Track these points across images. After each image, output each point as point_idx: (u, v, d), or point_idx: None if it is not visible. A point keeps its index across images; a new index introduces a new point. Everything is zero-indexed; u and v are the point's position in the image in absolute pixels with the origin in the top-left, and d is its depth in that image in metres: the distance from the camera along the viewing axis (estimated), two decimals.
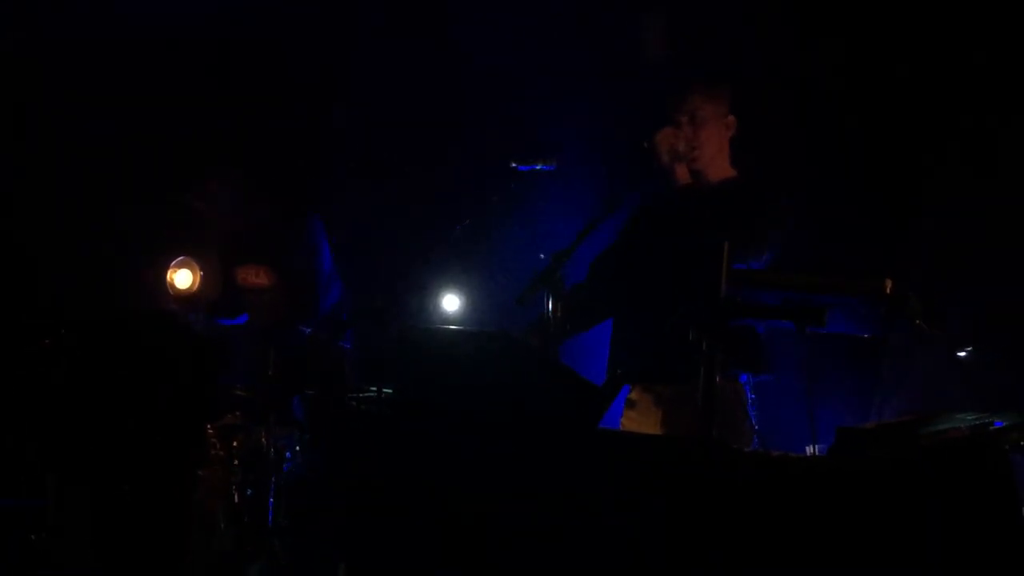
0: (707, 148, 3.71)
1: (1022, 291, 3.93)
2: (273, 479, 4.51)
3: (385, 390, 3.35)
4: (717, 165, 3.75)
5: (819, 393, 3.14)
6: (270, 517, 4.51)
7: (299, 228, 4.95)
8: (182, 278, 5.18)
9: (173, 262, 5.12)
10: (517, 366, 2.96)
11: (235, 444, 4.59)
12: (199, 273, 5.16)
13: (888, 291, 2.92)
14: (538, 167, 3.68)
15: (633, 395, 3.72)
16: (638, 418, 3.67)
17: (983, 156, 4.15)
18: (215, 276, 5.12)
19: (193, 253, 5.12)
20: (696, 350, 2.93)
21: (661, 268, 3.62)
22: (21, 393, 4.44)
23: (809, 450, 4.23)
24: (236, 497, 4.54)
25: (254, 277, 4.87)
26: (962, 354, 3.60)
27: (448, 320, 4.75)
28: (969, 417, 2.98)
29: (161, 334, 4.77)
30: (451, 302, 4.87)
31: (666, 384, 3.61)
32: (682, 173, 3.62)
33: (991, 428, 2.94)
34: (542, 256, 3.36)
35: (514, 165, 3.68)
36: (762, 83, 4.33)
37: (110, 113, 5.36)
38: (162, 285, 5.13)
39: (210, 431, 4.61)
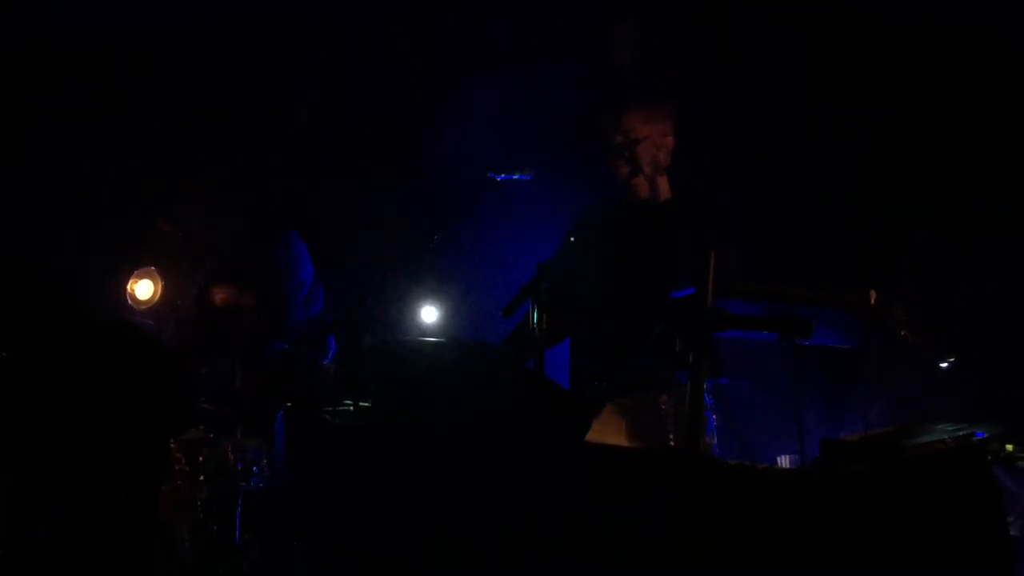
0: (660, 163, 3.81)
1: (1004, 302, 3.98)
2: (240, 494, 4.42)
3: (362, 403, 3.29)
4: (663, 181, 3.84)
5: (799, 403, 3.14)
6: (236, 533, 4.41)
7: (272, 247, 4.88)
8: (143, 289, 5.08)
9: (135, 272, 5.02)
10: (498, 378, 2.92)
11: (200, 458, 4.49)
12: (160, 284, 5.06)
13: (872, 302, 2.93)
14: (515, 176, 3.67)
15: None
16: (600, 427, 3.65)
17: (966, 167, 4.20)
18: (179, 288, 5.03)
19: (157, 263, 5.03)
20: (677, 360, 2.93)
21: (627, 281, 3.65)
22: None
23: (781, 461, 4.25)
24: (201, 512, 4.44)
25: (232, 298, 4.81)
26: (944, 365, 3.63)
27: (426, 332, 4.71)
28: (951, 428, 2.99)
29: (122, 345, 4.66)
30: (429, 313, 4.83)
31: (627, 393, 3.61)
32: (642, 188, 3.69)
33: (974, 439, 2.96)
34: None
35: (491, 175, 3.66)
36: (738, 89, 4.35)
37: (78, 126, 5.27)
38: (123, 295, 5.03)
39: (174, 445, 4.51)
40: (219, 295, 4.81)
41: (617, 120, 3.78)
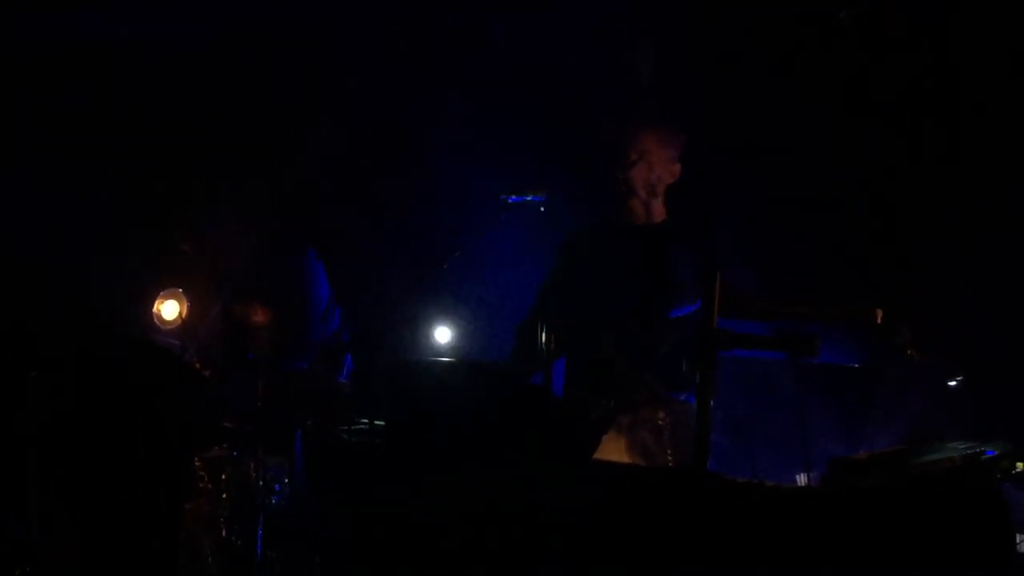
0: (659, 187, 3.86)
1: (1012, 319, 3.96)
2: (262, 511, 4.47)
3: (377, 422, 3.34)
4: (658, 204, 3.89)
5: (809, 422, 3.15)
6: (258, 550, 4.47)
7: (292, 264, 4.95)
8: (169, 309, 5.15)
9: (160, 293, 5.09)
10: (511, 399, 2.96)
11: (223, 476, 4.55)
12: (186, 304, 5.13)
13: (879, 321, 2.94)
14: (529, 198, 3.72)
15: None
16: (601, 444, 3.69)
17: (972, 180, 4.19)
18: (204, 308, 5.10)
19: (182, 284, 5.10)
20: (655, 376, 2.96)
21: (616, 299, 3.69)
22: (4, 422, 4.39)
23: (800, 479, 4.25)
24: (224, 530, 4.50)
25: (253, 315, 4.88)
26: (952, 383, 3.62)
27: (440, 352, 4.74)
28: (960, 446, 3.00)
29: (148, 364, 4.73)
30: (443, 334, 4.86)
31: (627, 411, 3.64)
32: (639, 210, 3.73)
33: (983, 457, 2.96)
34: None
35: (505, 197, 3.71)
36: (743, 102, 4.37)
37: (103, 150, 5.36)
38: (149, 316, 5.10)
39: (198, 463, 4.57)
40: (237, 311, 4.89)
41: (635, 137, 3.82)
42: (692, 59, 4.69)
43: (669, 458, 3.40)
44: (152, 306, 5.12)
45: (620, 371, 3.20)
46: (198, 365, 4.87)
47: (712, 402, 3.38)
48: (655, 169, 3.82)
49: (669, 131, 3.89)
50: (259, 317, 4.89)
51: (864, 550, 2.70)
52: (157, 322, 5.12)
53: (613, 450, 3.64)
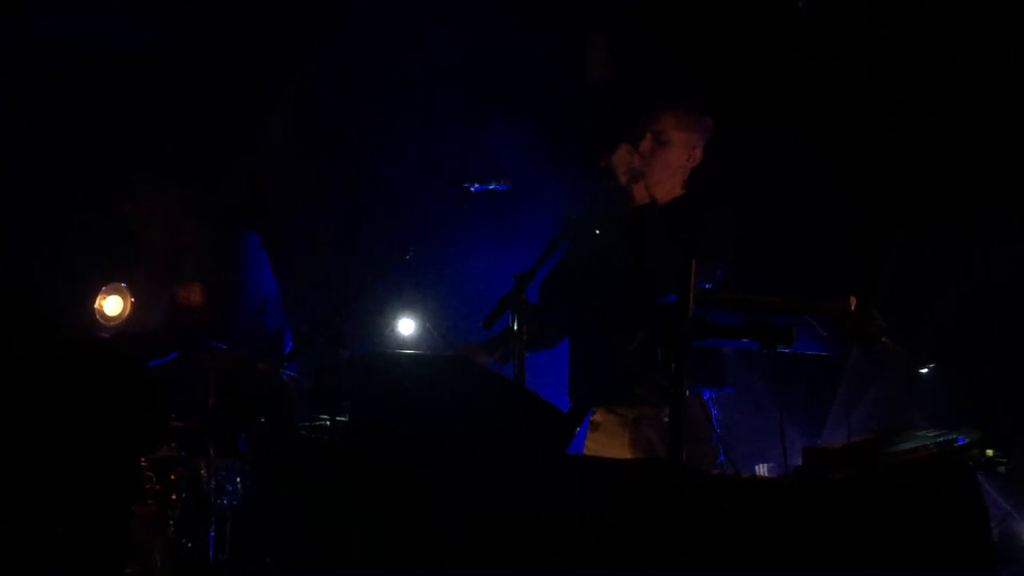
0: (658, 169, 3.68)
1: (984, 307, 4.00)
2: (214, 512, 4.35)
3: (339, 418, 3.25)
4: (666, 185, 3.73)
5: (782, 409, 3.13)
6: (210, 552, 4.35)
7: (233, 245, 4.85)
8: (112, 305, 5.01)
9: (103, 288, 4.95)
10: (479, 391, 2.89)
11: (172, 477, 4.43)
12: (130, 300, 5.00)
13: (851, 309, 2.92)
14: (492, 187, 3.64)
15: (597, 417, 3.68)
16: (603, 440, 3.63)
17: (947, 170, 4.22)
18: (147, 302, 4.96)
19: (126, 277, 4.97)
20: (660, 370, 2.90)
21: (617, 286, 3.60)
22: None
23: (759, 468, 4.24)
24: (174, 531, 4.38)
25: (189, 295, 4.77)
26: (924, 371, 3.63)
27: (403, 344, 4.66)
28: (931, 434, 2.99)
29: (91, 363, 4.59)
30: (406, 326, 4.79)
31: (629, 405, 3.57)
32: (639, 193, 3.60)
33: (954, 445, 2.96)
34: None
35: (467, 185, 3.63)
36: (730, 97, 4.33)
37: (42, 124, 5.20)
38: (92, 313, 4.95)
39: (146, 464, 4.44)
40: (177, 293, 4.80)
41: (655, 118, 3.68)
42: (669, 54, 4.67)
43: None
44: (94, 302, 4.99)
45: (622, 361, 3.13)
46: (144, 362, 4.74)
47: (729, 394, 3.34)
48: (666, 150, 3.67)
49: (690, 112, 3.73)
50: (196, 296, 4.79)
51: (840, 540, 2.68)
52: (100, 319, 4.98)
53: (616, 447, 3.59)
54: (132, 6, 5.12)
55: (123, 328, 4.98)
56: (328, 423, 3.68)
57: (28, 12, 5.08)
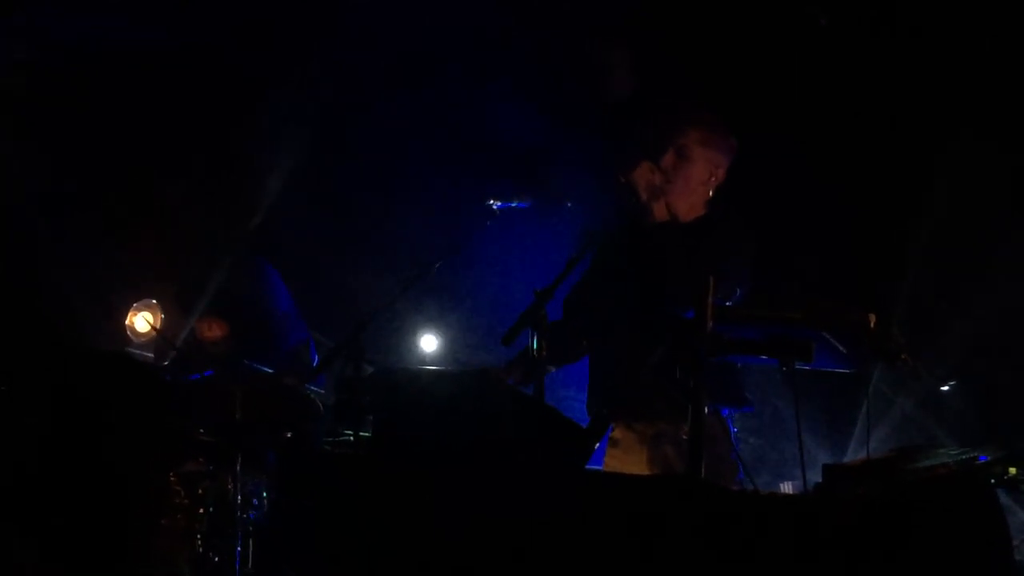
0: (679, 185, 3.66)
1: (1005, 325, 3.97)
2: (240, 527, 4.39)
3: (362, 434, 3.28)
4: (687, 203, 3.71)
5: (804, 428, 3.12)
6: (236, 565, 4.38)
7: (242, 274, 4.91)
8: (142, 322, 5.08)
9: (134, 305, 5.02)
10: (500, 407, 2.91)
11: (200, 491, 4.47)
12: (160, 316, 5.06)
13: (872, 326, 2.92)
14: (514, 204, 3.67)
15: (616, 434, 3.68)
16: (622, 456, 3.63)
17: (965, 185, 4.20)
18: (176, 319, 5.03)
19: (156, 295, 5.04)
20: (679, 386, 2.91)
21: (637, 303, 3.59)
22: None
23: (784, 486, 4.22)
24: (201, 546, 4.41)
25: (208, 331, 4.84)
26: (945, 388, 3.61)
27: (426, 360, 4.69)
28: (953, 452, 2.98)
29: (121, 378, 4.65)
30: (429, 342, 4.81)
31: (648, 421, 3.57)
32: (659, 210, 3.60)
33: (976, 463, 2.95)
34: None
35: (491, 203, 3.65)
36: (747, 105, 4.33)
37: (66, 156, 5.29)
38: (122, 329, 5.02)
39: (173, 478, 4.49)
40: (199, 329, 4.87)
41: (680, 132, 3.65)
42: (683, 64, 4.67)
43: None
44: (125, 319, 5.05)
45: (639, 378, 3.13)
46: (173, 377, 4.80)
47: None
48: (689, 166, 3.65)
49: (715, 129, 3.70)
50: (215, 331, 4.85)
51: (860, 558, 2.67)
52: (130, 335, 5.05)
53: (634, 463, 3.59)
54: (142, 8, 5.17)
55: (154, 344, 5.04)
56: (352, 438, 3.71)
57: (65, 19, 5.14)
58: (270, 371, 4.58)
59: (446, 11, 5.01)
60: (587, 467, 3.02)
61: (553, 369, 3.64)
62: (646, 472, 3.52)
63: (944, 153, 4.26)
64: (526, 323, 3.16)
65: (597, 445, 2.97)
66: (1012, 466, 2.99)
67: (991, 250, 4.12)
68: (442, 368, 4.43)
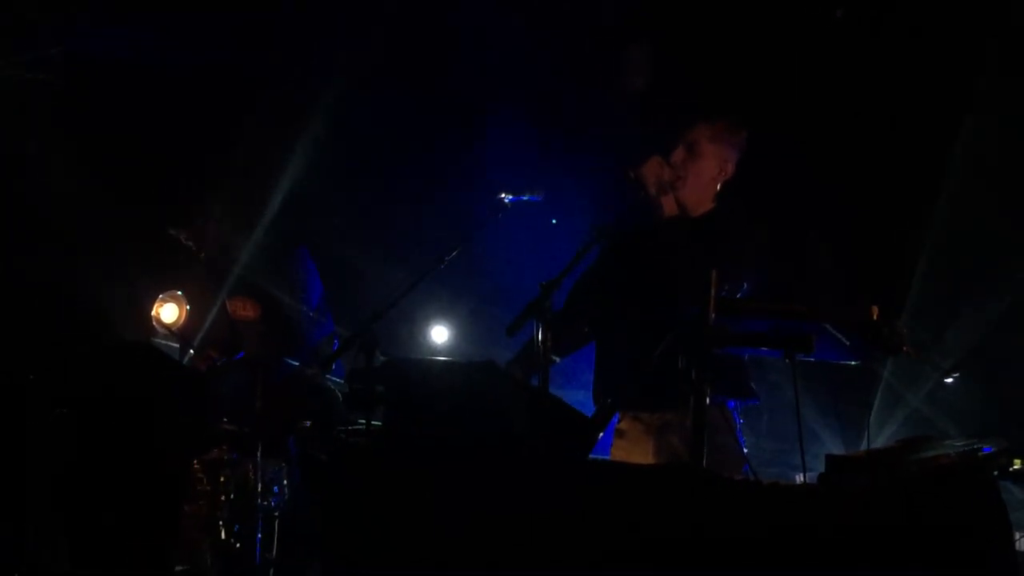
0: (689, 180, 3.69)
1: (1008, 317, 3.96)
2: (261, 513, 4.47)
3: (374, 423, 3.33)
4: (697, 198, 3.73)
5: (811, 420, 3.14)
6: (257, 552, 4.47)
7: (285, 261, 4.96)
8: (168, 312, 5.15)
9: (160, 296, 5.10)
10: (507, 397, 2.95)
11: (222, 479, 4.56)
12: (185, 307, 5.14)
13: (875, 318, 2.93)
14: (525, 198, 3.70)
15: (622, 424, 3.71)
16: (628, 447, 3.66)
17: (968, 182, 4.18)
18: (202, 311, 5.11)
19: (182, 286, 5.11)
20: (682, 378, 2.93)
21: (645, 296, 3.62)
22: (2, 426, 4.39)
23: (799, 478, 4.23)
24: (223, 532, 4.50)
25: (242, 310, 4.90)
26: (949, 380, 3.60)
27: (437, 351, 4.73)
28: (957, 443, 2.99)
29: (147, 367, 4.74)
30: (440, 333, 4.85)
31: (654, 412, 3.60)
32: (669, 204, 3.63)
33: (979, 454, 2.95)
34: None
35: (502, 196, 3.69)
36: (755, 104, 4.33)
37: (97, 150, 5.38)
38: (148, 319, 5.10)
39: (196, 465, 4.57)
40: (229, 306, 4.94)
41: (690, 128, 3.68)
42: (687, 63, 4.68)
43: None
44: (151, 309, 5.13)
45: (646, 368, 3.14)
46: (197, 367, 4.88)
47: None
48: (699, 161, 3.68)
49: (725, 124, 3.72)
50: (249, 311, 4.91)
51: (863, 548, 2.68)
52: (156, 325, 5.13)
53: (641, 454, 3.61)
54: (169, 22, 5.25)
55: (181, 334, 5.11)
56: (365, 426, 3.77)
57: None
58: (295, 363, 4.66)
59: (455, 7, 5.06)
60: (593, 456, 3.05)
61: (558, 360, 3.67)
62: (650, 461, 3.54)
63: (952, 148, 4.24)
64: (531, 314, 3.20)
65: (601, 435, 2.99)
66: (1016, 458, 2.99)
67: (997, 244, 4.10)
68: (451, 359, 4.48)
